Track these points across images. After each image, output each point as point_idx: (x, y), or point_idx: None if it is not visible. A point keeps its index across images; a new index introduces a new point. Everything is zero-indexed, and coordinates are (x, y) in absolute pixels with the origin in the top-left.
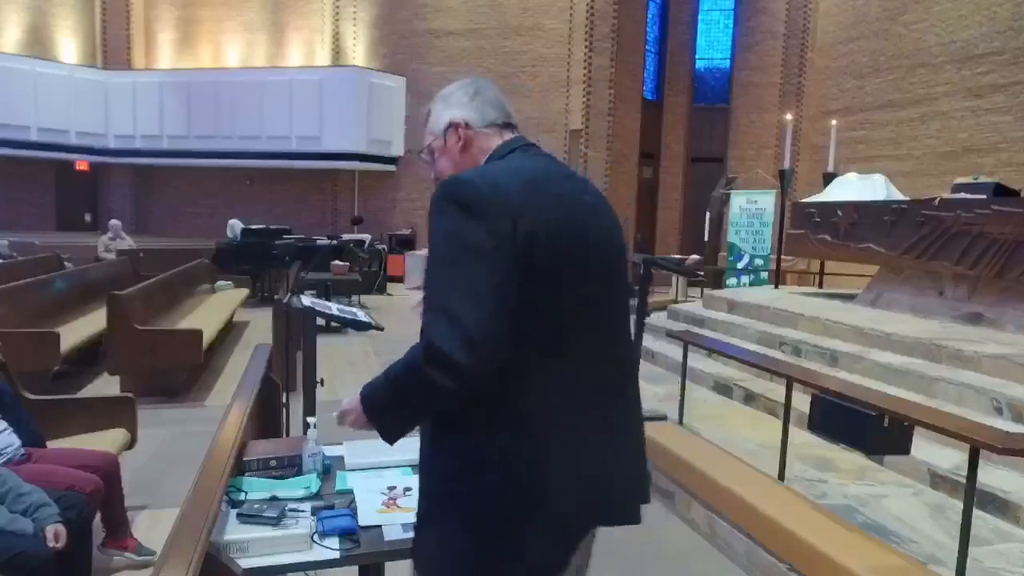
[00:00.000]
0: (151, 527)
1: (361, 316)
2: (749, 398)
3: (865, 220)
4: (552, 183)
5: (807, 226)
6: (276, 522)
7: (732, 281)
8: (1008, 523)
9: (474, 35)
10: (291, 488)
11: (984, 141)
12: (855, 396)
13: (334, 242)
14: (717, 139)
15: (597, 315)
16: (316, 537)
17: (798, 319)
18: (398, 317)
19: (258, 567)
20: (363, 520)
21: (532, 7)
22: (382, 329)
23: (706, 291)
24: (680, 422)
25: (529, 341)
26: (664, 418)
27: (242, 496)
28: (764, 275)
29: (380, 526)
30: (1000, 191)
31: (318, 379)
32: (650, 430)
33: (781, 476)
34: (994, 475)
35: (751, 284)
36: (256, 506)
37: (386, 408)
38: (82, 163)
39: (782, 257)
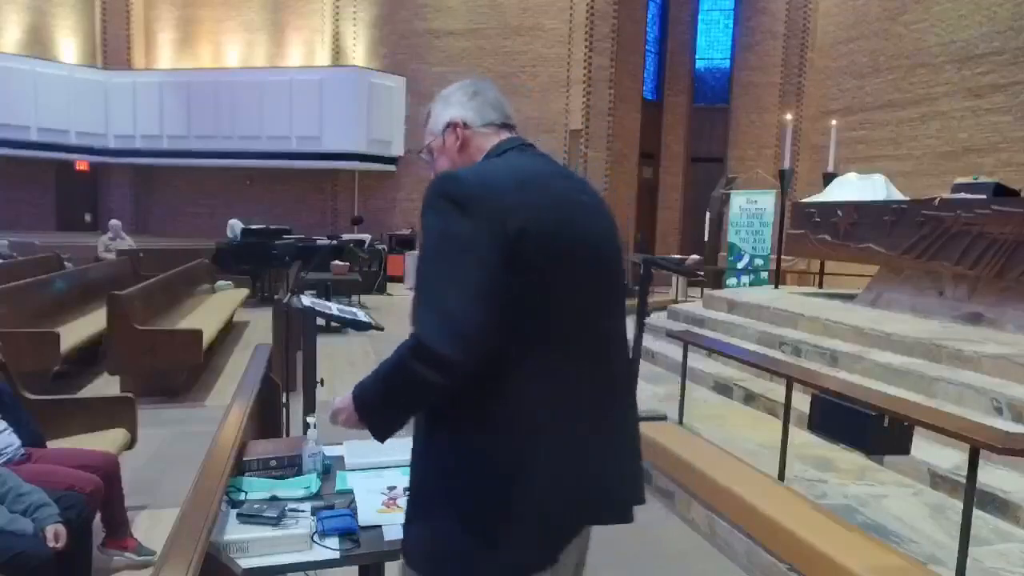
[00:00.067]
0: (151, 527)
1: (361, 316)
2: (749, 398)
3: (865, 220)
4: (546, 182)
5: (807, 226)
6: (276, 522)
7: (732, 281)
8: (1008, 523)
9: (474, 35)
10: (291, 488)
11: (984, 141)
12: (855, 396)
13: (334, 242)
14: (717, 139)
15: (590, 315)
16: (316, 537)
17: (798, 319)
18: (398, 317)
19: (258, 567)
20: (363, 520)
21: (532, 7)
22: (382, 329)
23: (706, 291)
24: (680, 422)
25: (519, 339)
26: (664, 418)
27: (242, 496)
28: (764, 275)
29: (380, 526)
30: (1000, 191)
31: (318, 379)
32: (650, 430)
33: (781, 476)
34: (994, 475)
35: (751, 284)
36: (256, 506)
37: (376, 406)
38: (82, 163)
39: (782, 257)
